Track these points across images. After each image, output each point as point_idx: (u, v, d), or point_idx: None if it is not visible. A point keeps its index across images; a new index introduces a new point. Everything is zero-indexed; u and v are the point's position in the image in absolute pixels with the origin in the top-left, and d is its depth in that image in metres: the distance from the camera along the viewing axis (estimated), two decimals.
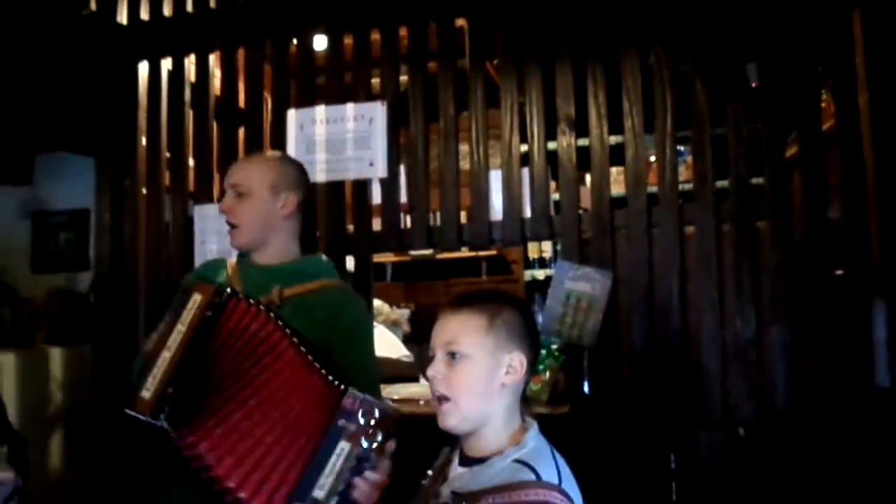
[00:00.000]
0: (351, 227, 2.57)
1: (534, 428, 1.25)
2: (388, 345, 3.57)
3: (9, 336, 3.80)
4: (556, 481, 1.16)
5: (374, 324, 3.47)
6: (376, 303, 3.65)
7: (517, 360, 1.23)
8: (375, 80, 2.62)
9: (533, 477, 1.15)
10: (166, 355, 1.32)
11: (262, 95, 2.72)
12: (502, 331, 1.23)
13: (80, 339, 3.77)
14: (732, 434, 2.15)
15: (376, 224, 2.56)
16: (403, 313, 4.10)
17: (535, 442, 1.22)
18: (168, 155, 2.78)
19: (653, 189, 2.32)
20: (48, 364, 3.58)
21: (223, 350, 1.37)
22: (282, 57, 2.69)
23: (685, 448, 2.18)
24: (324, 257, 1.94)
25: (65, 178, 4.15)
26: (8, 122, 3.70)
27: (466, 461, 1.26)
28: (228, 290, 1.41)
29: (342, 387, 1.34)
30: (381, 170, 2.50)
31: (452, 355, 1.22)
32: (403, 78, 2.60)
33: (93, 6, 2.75)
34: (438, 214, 2.51)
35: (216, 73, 2.78)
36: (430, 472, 1.34)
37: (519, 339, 1.24)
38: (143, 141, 2.79)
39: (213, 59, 2.77)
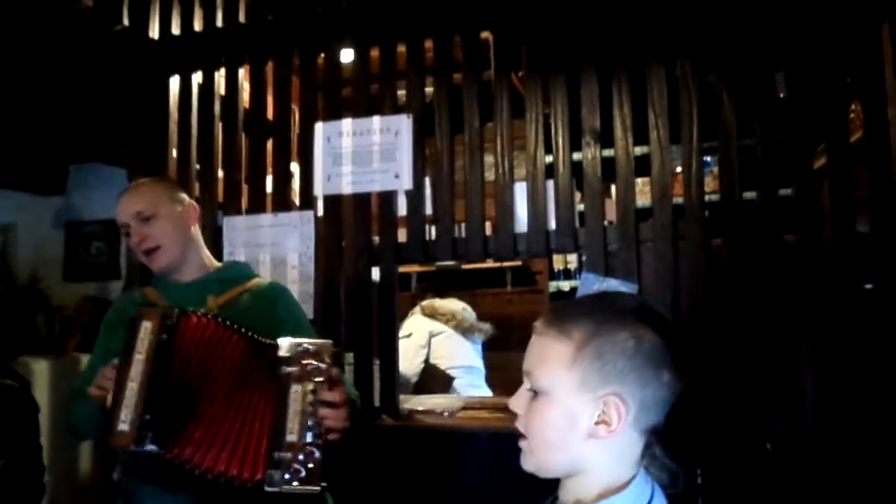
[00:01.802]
0: (377, 239, 2.59)
1: (637, 479, 0.96)
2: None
3: (42, 344, 3.88)
4: None
5: (444, 328, 3.52)
6: (447, 305, 3.61)
7: (612, 406, 0.91)
8: (401, 93, 2.64)
9: None
10: (133, 386, 1.36)
11: (289, 108, 2.76)
12: (593, 364, 0.92)
13: None
14: (760, 449, 2.13)
15: (402, 235, 2.58)
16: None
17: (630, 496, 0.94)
18: (198, 166, 2.82)
19: (678, 201, 2.31)
20: (79, 371, 3.64)
21: (186, 363, 1.44)
22: (309, 70, 2.73)
23: (712, 463, 2.16)
24: (237, 261, 2.02)
25: (97, 189, 4.24)
26: (42, 134, 3.79)
27: None
28: (176, 310, 1.47)
29: (271, 342, 1.48)
30: (406, 182, 2.52)
31: (534, 391, 0.97)
32: (429, 90, 2.62)
33: (125, 22, 2.80)
34: (463, 226, 2.52)
35: (245, 87, 2.82)
36: None
37: (620, 377, 0.91)
38: (174, 153, 2.84)
39: (243, 73, 2.81)
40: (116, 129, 3.34)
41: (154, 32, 2.88)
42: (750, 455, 2.13)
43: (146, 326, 1.41)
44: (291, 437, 1.37)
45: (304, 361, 1.43)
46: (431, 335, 3.51)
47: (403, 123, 2.55)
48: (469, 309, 3.73)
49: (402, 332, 3.27)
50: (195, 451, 1.39)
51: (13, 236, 4.54)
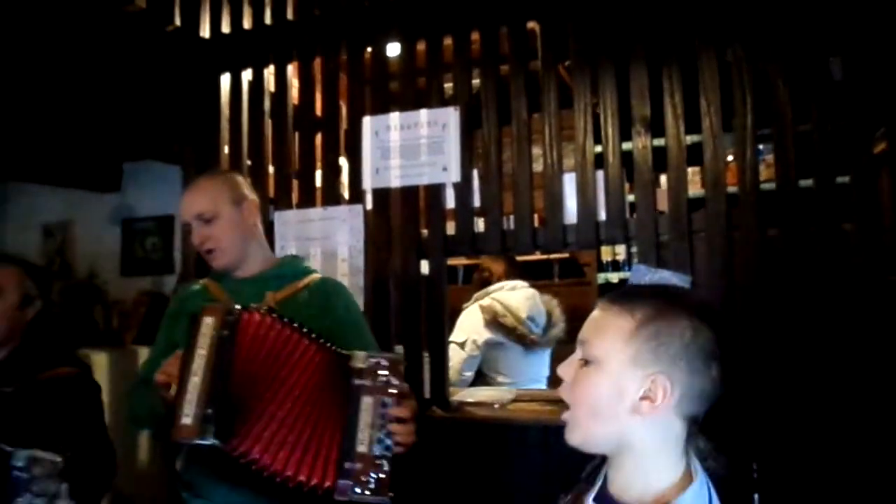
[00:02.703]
0: (425, 232, 2.60)
1: (694, 486, 0.97)
2: None
3: (100, 336, 4.00)
4: None
5: (503, 339, 3.07)
6: (513, 308, 3.13)
7: (659, 385, 0.95)
8: (448, 85, 2.64)
9: None
10: (195, 380, 1.39)
11: (337, 103, 2.78)
12: (649, 343, 0.96)
13: None
14: (817, 443, 2.08)
15: (450, 228, 2.58)
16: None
17: None
18: (249, 162, 2.87)
19: (732, 190, 2.27)
20: (137, 363, 3.75)
21: (249, 360, 1.46)
22: (357, 65, 2.75)
23: (768, 457, 2.12)
24: (296, 256, 2.01)
25: (151, 186, 4.36)
26: (98, 133, 3.90)
27: (603, 499, 1.03)
28: (237, 306, 1.49)
29: (346, 353, 1.50)
30: (454, 174, 2.52)
31: (586, 360, 1.00)
32: (475, 82, 2.62)
33: (177, 22, 2.86)
34: (512, 218, 2.52)
35: (294, 83, 2.86)
36: (562, 496, 1.14)
37: (671, 360, 0.95)
38: (226, 149, 2.89)
39: (291, 70, 2.85)
40: (169, 127, 3.42)
41: (205, 32, 2.93)
42: (808, 449, 2.09)
43: (207, 322, 1.44)
44: (362, 448, 1.41)
45: (377, 374, 1.46)
46: (488, 345, 3.09)
47: (451, 116, 2.55)
48: (540, 308, 3.23)
49: (455, 332, 3.06)
50: (263, 451, 1.41)
51: (71, 233, 4.69)
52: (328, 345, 1.52)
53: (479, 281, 3.34)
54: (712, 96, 2.29)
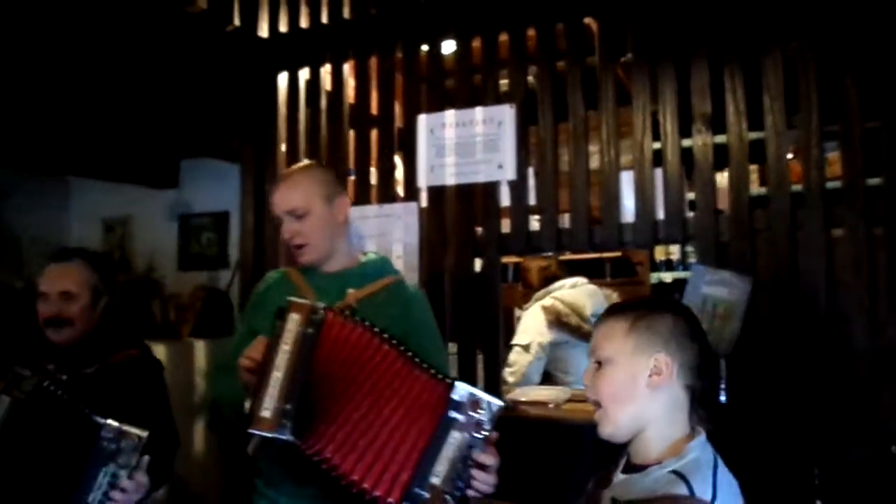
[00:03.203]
0: (480, 230, 2.60)
1: (699, 438, 1.22)
2: None
3: (158, 329, 4.11)
4: (708, 497, 1.12)
5: (568, 338, 3.02)
6: (576, 305, 3.09)
7: (662, 361, 1.21)
8: (504, 82, 2.64)
9: (685, 491, 1.11)
10: (277, 375, 1.41)
11: (393, 101, 2.80)
12: (644, 333, 1.23)
13: (222, 332, 4.03)
14: (883, 451, 2.02)
15: (505, 226, 2.57)
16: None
17: (696, 453, 1.18)
18: (306, 160, 2.90)
19: (796, 188, 2.21)
20: (193, 356, 3.84)
21: (330, 360, 1.45)
22: (412, 63, 2.76)
23: (831, 464, 2.07)
24: (380, 255, 1.96)
25: (206, 182, 4.44)
26: (156, 131, 4.00)
27: (629, 468, 1.26)
28: (323, 305, 1.49)
29: (448, 380, 1.43)
30: (510, 172, 2.52)
31: (599, 363, 1.26)
32: (531, 79, 2.61)
33: (236, 22, 2.91)
34: (567, 216, 2.50)
35: (350, 82, 2.88)
36: (593, 477, 1.35)
37: (664, 342, 1.22)
38: (283, 147, 2.94)
39: (347, 68, 2.87)
40: (225, 125, 3.48)
41: (263, 31, 2.98)
42: (872, 457, 2.03)
43: (294, 318, 1.44)
44: (435, 480, 1.36)
45: (472, 413, 1.39)
46: (552, 345, 3.06)
47: (506, 113, 2.54)
48: (604, 304, 3.12)
49: (518, 335, 3.03)
50: (335, 451, 1.40)
51: (131, 228, 4.81)
52: (419, 362, 1.46)
53: (542, 279, 3.29)
54: (775, 92, 2.24)
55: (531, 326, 3.07)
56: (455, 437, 1.38)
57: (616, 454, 1.33)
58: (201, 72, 3.25)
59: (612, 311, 1.31)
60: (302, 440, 1.40)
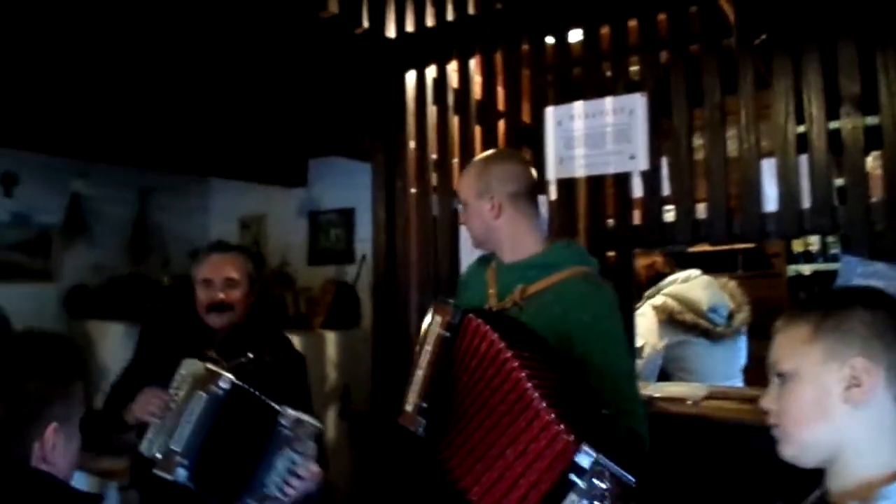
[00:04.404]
0: (611, 222, 2.56)
1: None
2: None
3: (291, 321, 4.31)
4: None
5: (685, 336, 2.90)
6: (690, 300, 2.93)
7: (860, 367, 0.97)
8: (634, 69, 2.58)
9: None
10: (419, 373, 1.45)
11: (520, 95, 2.80)
12: (832, 336, 1.00)
13: (351, 324, 4.18)
14: None
15: (637, 218, 2.52)
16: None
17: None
18: (434, 156, 2.96)
19: None
20: (325, 347, 4.01)
21: (461, 368, 1.45)
22: (538, 55, 2.74)
23: None
24: (570, 244, 1.90)
25: (334, 180, 4.61)
26: (288, 132, 4.19)
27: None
28: (463, 310, 1.49)
29: (573, 438, 1.26)
30: (642, 162, 2.46)
31: (781, 377, 1.05)
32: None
33: (365, 24, 2.99)
34: (703, 206, 2.41)
35: (476, 78, 2.90)
36: None
37: (862, 343, 0.98)
38: (412, 144, 3.00)
39: (473, 64, 2.89)
40: (353, 124, 3.60)
41: (391, 32, 3.05)
42: None
43: (436, 320, 1.49)
44: None
45: (595, 481, 1.21)
46: (668, 347, 2.91)
47: (638, 102, 2.48)
48: (720, 297, 3.00)
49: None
50: (457, 465, 1.40)
51: (264, 225, 5.07)
52: (551, 398, 1.32)
53: (646, 278, 3.15)
54: None
55: (643, 328, 2.88)
56: (573, 501, 1.23)
57: (771, 454, 1.10)
58: (331, 74, 3.37)
59: (791, 314, 1.07)
60: (432, 441, 1.43)
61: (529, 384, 1.32)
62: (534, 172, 1.92)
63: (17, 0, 2.64)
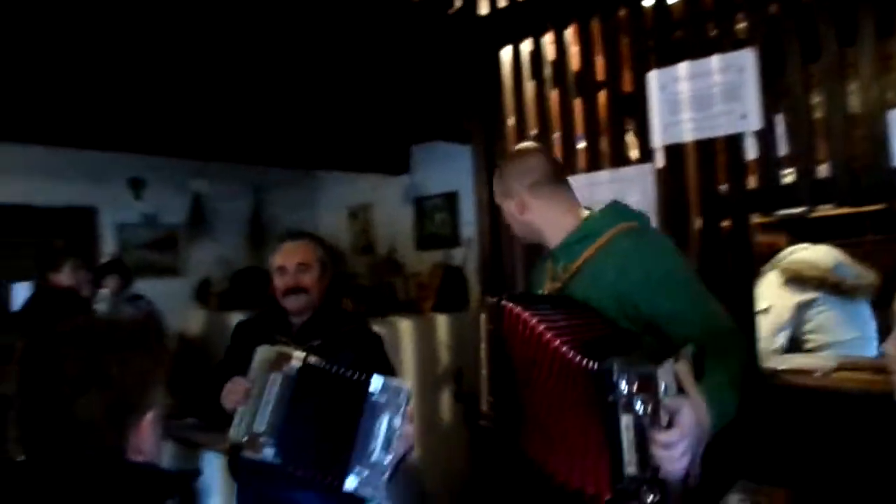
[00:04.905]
0: (724, 188, 2.44)
1: None
2: None
3: (402, 306, 4.40)
4: None
5: (815, 295, 2.81)
6: (814, 260, 2.84)
7: None
8: (740, 27, 2.43)
9: None
10: (484, 372, 1.48)
11: (619, 62, 2.70)
12: None
13: (460, 306, 4.21)
14: None
15: (752, 182, 2.38)
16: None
17: None
18: (535, 131, 2.91)
19: None
20: (435, 329, 4.06)
21: (514, 356, 1.47)
22: (637, 19, 2.64)
23: None
24: (607, 208, 1.81)
25: (436, 165, 4.65)
26: (389, 121, 4.26)
27: None
28: (498, 298, 1.50)
29: (592, 364, 1.30)
30: (754, 122, 2.32)
31: None
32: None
33: (457, 3, 2.98)
34: (824, 167, 2.25)
35: (573, 49, 2.83)
36: None
37: None
38: (511, 120, 2.97)
39: (569, 35, 2.82)
40: (452, 107, 3.61)
41: (483, 9, 3.02)
42: None
43: (483, 316, 1.53)
44: (630, 470, 1.28)
45: (630, 388, 1.26)
46: (798, 307, 2.79)
47: (747, 59, 2.34)
48: (844, 260, 2.88)
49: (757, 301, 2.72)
50: (535, 451, 1.44)
51: (371, 213, 5.20)
52: (578, 348, 1.37)
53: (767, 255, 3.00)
54: None
55: (768, 291, 2.80)
56: (626, 421, 1.26)
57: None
58: (427, 58, 3.39)
59: None
60: (504, 433, 1.46)
61: (563, 346, 1.37)
62: (551, 157, 1.89)
63: (135, 10, 2.80)
